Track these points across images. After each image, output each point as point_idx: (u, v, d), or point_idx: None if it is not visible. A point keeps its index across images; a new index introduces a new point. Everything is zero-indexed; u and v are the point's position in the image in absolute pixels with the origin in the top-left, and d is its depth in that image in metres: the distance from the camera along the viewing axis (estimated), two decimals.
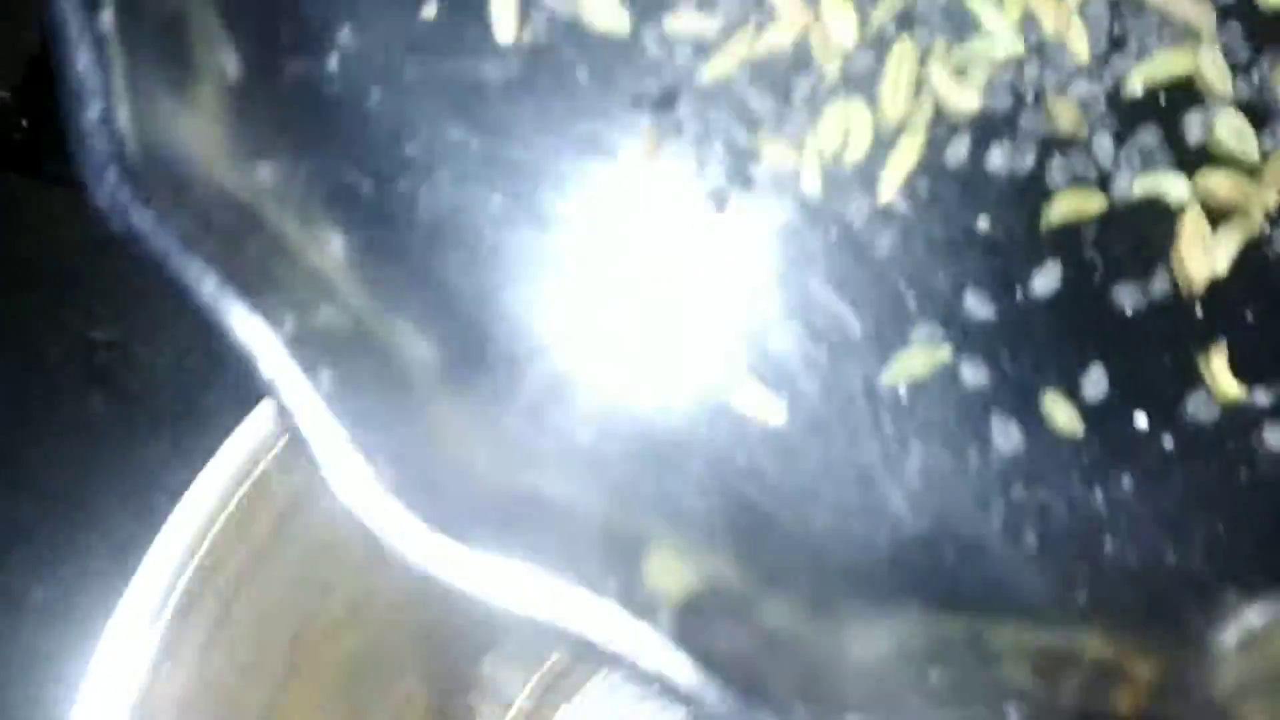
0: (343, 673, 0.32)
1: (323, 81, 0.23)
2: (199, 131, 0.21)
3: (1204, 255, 0.24)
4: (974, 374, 0.23)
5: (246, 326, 0.19)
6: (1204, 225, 0.24)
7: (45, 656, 0.42)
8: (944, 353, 0.23)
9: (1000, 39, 0.24)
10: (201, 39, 0.22)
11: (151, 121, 0.20)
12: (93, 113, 0.19)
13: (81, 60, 0.19)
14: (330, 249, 0.22)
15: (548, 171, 0.23)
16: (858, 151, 0.24)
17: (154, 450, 0.30)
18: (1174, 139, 0.24)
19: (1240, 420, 0.23)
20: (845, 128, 0.24)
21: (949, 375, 0.23)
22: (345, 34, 0.23)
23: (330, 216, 0.22)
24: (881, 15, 0.24)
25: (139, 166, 0.19)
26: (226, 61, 0.22)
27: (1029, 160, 0.24)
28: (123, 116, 0.19)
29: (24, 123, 0.46)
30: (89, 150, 0.19)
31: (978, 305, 0.23)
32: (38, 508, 0.43)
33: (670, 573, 0.21)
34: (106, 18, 0.19)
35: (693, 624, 0.18)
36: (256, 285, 0.20)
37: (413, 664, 0.35)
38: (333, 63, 0.23)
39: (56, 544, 0.43)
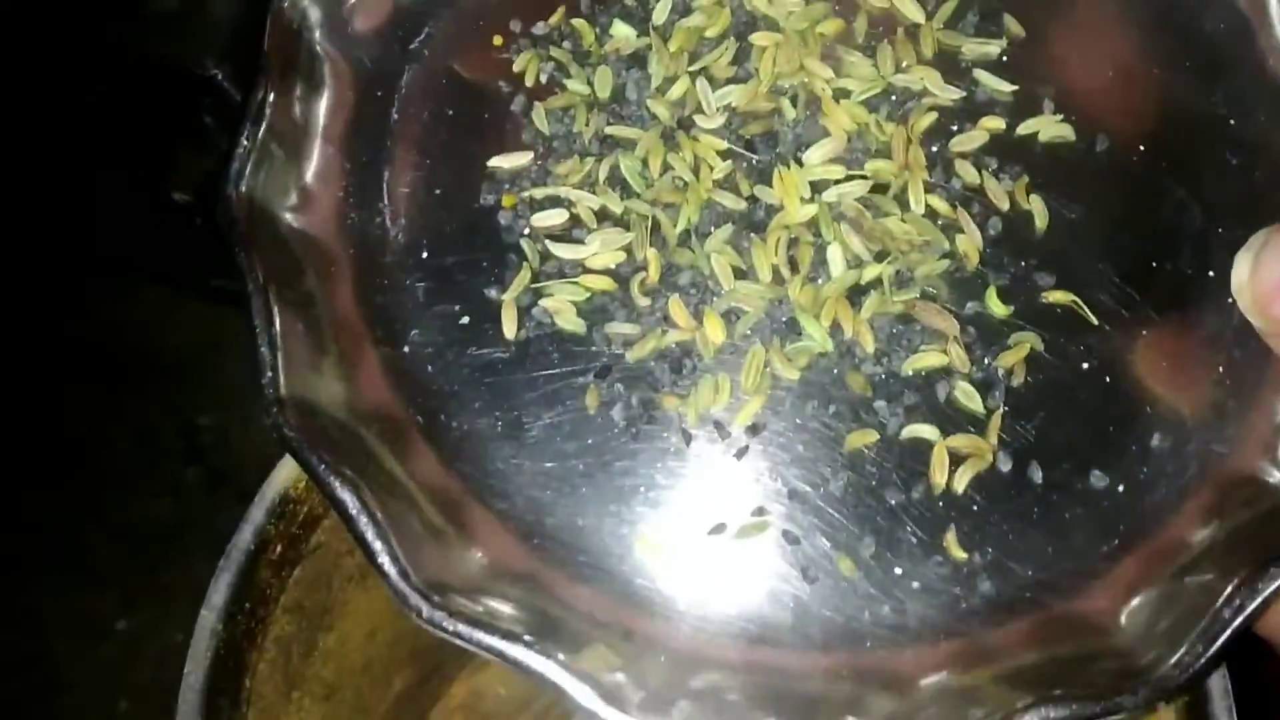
0: (345, 687, 0.43)
1: (398, 361, 0.38)
2: (325, 389, 0.36)
3: (946, 476, 0.37)
4: (794, 534, 0.37)
5: (344, 498, 0.34)
6: (946, 457, 0.37)
7: (127, 679, 0.51)
8: (775, 520, 0.37)
9: (817, 340, 0.38)
10: (325, 340, 0.37)
11: (298, 383, 0.35)
12: (266, 378, 0.35)
13: (263, 349, 0.35)
14: (400, 461, 0.37)
15: (530, 408, 0.38)
16: (721, 405, 0.38)
17: (232, 512, 0.39)
18: (929, 399, 0.38)
19: (965, 573, 0.36)
20: (714, 391, 0.38)
21: (780, 537, 0.37)
22: (414, 333, 0.39)
23: (401, 440, 0.37)
24: (741, 327, 0.39)
25: (290, 407, 0.35)
26: (338, 352, 0.38)
27: (832, 410, 0.38)
28: (281, 380, 0.35)
29: (198, 220, 0.57)
30: (266, 398, 0.34)
31: (801, 491, 0.37)
32: (129, 552, 0.53)
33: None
34: (277, 326, 0.35)
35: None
36: (355, 479, 0.34)
37: (393, 679, 0.46)
38: (405, 349, 0.39)
39: (142, 583, 0.53)
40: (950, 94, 0.40)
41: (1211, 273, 0.38)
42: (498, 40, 0.42)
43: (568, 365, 0.39)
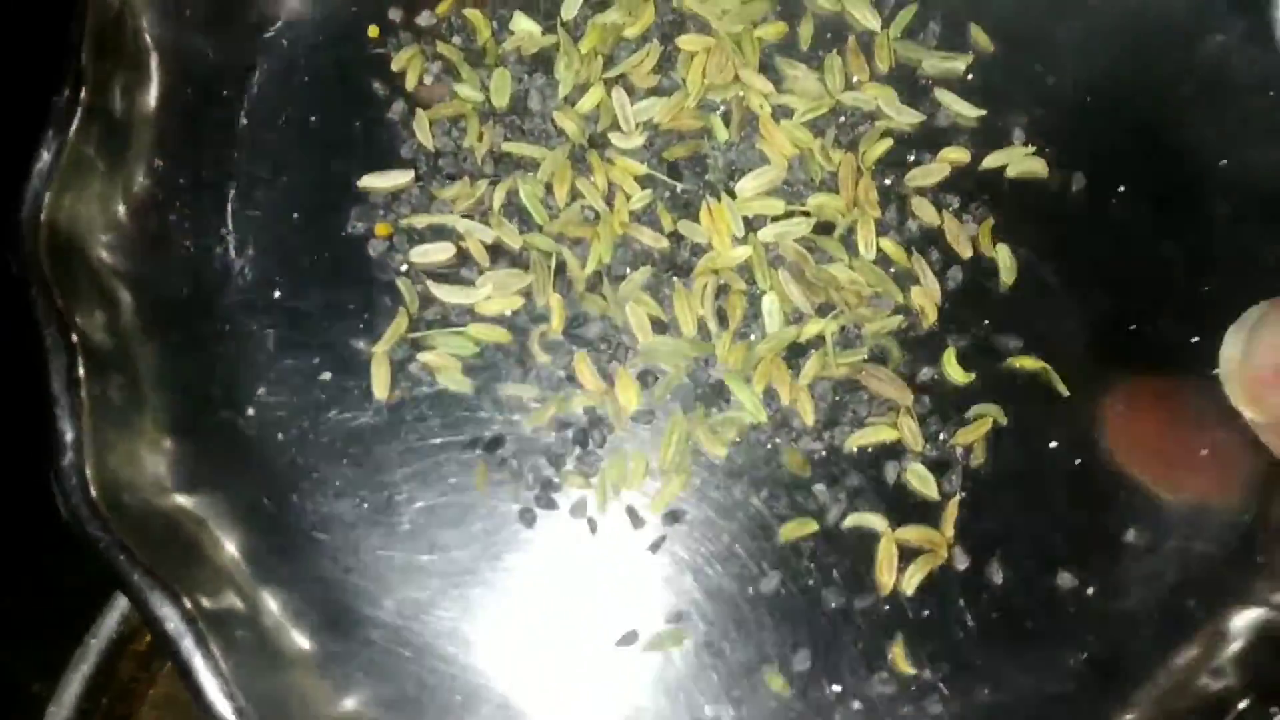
0: None
1: (240, 428, 0.32)
2: (141, 468, 0.30)
3: (894, 575, 0.32)
4: (717, 645, 0.31)
5: (158, 605, 0.27)
6: (894, 552, 0.32)
7: None
8: (694, 628, 0.31)
9: (748, 409, 0.33)
10: (144, 406, 0.30)
11: (107, 463, 0.28)
12: (66, 460, 0.28)
13: (62, 422, 0.28)
14: (229, 551, 0.30)
15: (404, 487, 0.32)
16: (638, 484, 0.32)
17: None
18: (876, 482, 0.32)
19: (913, 692, 0.31)
20: (625, 469, 0.32)
21: (700, 648, 0.31)
22: (261, 392, 0.32)
23: (236, 529, 0.30)
24: (660, 391, 0.33)
25: (96, 493, 0.28)
26: (163, 416, 0.31)
27: (764, 494, 0.32)
28: (85, 461, 0.28)
29: None
30: (62, 483, 0.27)
31: (726, 592, 0.31)
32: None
33: None
34: (83, 391, 0.28)
35: None
36: (171, 576, 0.28)
37: None
38: (249, 412, 0.32)
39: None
40: (908, 117, 0.35)
41: (1196, 339, 0.33)
42: (373, 31, 0.36)
43: (450, 434, 0.32)
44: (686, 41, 0.35)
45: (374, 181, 0.34)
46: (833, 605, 0.32)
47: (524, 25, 0.35)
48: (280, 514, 0.31)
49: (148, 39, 0.33)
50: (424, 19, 0.35)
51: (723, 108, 0.35)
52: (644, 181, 0.34)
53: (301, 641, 0.30)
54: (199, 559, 0.30)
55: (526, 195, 0.34)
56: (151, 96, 0.33)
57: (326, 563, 0.31)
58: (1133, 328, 0.34)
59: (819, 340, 0.33)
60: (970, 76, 0.36)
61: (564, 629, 0.31)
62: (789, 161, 0.34)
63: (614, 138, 0.34)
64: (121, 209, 0.32)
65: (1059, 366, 0.33)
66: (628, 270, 0.33)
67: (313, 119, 0.34)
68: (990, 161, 0.35)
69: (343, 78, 0.35)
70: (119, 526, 0.28)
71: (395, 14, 0.35)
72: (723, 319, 0.33)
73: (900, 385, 0.33)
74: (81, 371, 0.29)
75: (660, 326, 0.33)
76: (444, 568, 0.31)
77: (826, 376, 0.33)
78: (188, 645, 0.27)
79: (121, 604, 0.36)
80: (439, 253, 0.33)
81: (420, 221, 0.34)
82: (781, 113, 0.35)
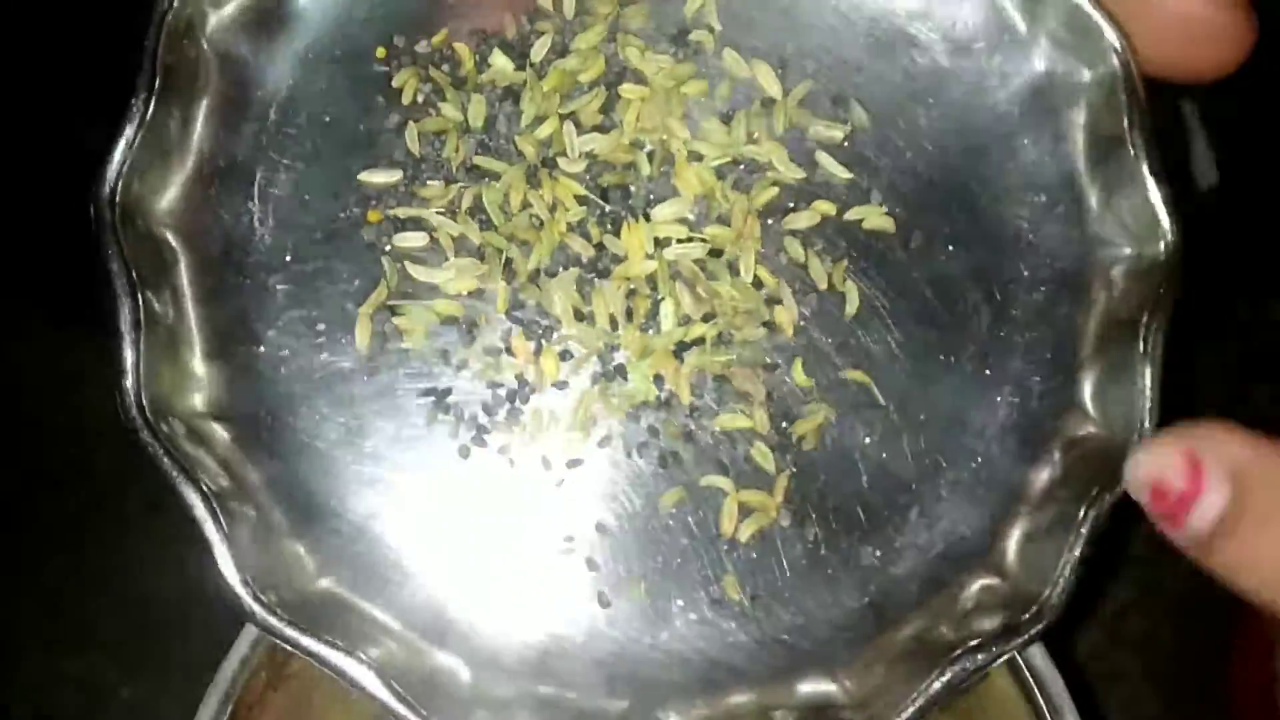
0: None
1: (254, 360, 0.41)
2: (182, 390, 0.39)
3: (734, 525, 0.42)
4: (595, 561, 0.42)
5: (190, 495, 0.37)
6: (735, 509, 0.42)
7: None
8: (580, 548, 0.42)
9: (641, 387, 0.43)
10: (190, 338, 0.40)
11: (158, 387, 0.38)
12: (127, 381, 0.37)
13: (127, 354, 0.37)
14: (237, 452, 0.40)
15: (371, 419, 0.42)
16: (551, 435, 0.42)
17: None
18: (730, 454, 0.43)
19: (735, 612, 0.42)
20: (542, 423, 0.42)
21: (585, 561, 0.42)
22: (271, 334, 0.42)
23: (251, 441, 0.40)
24: (574, 366, 0.43)
25: (150, 412, 0.37)
26: (199, 347, 0.40)
27: (645, 454, 0.42)
28: (142, 385, 0.37)
29: None
30: (126, 403, 0.37)
31: (607, 524, 0.42)
32: (133, 624, 0.57)
33: None
34: (142, 331, 0.38)
35: None
36: (198, 478, 0.38)
37: None
38: (261, 349, 0.42)
39: (145, 654, 0.56)
40: (793, 172, 0.44)
41: (989, 372, 0.44)
42: (381, 52, 0.44)
43: (412, 383, 0.42)
44: (627, 90, 0.44)
45: (370, 177, 0.43)
46: (684, 541, 0.42)
47: (500, 62, 0.44)
48: (276, 429, 0.41)
49: (205, 46, 0.41)
50: (422, 46, 0.44)
51: (649, 147, 0.44)
52: (580, 200, 0.43)
53: (286, 528, 0.40)
54: (212, 456, 0.39)
55: (488, 201, 0.43)
56: (206, 95, 0.41)
57: (307, 468, 0.41)
58: (941, 357, 0.44)
59: (701, 340, 0.43)
60: (846, 143, 0.44)
61: (487, 537, 0.42)
62: (695, 197, 0.43)
63: (561, 161, 0.43)
64: (175, 187, 0.41)
65: (881, 381, 0.43)
66: (561, 269, 0.43)
67: (326, 119, 0.43)
68: (851, 215, 0.44)
69: (352, 89, 0.43)
70: (161, 431, 0.38)
71: (400, 40, 0.44)
72: (630, 316, 0.43)
73: (757, 383, 0.43)
74: (141, 314, 0.38)
75: (580, 316, 0.43)
76: (397, 482, 0.42)
77: (703, 369, 0.43)
78: (210, 526, 0.37)
79: (243, 643, 0.45)
80: (415, 240, 0.42)
81: (403, 213, 0.43)
82: (694, 156, 0.43)
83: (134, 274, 0.38)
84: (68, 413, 0.58)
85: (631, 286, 0.43)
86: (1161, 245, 0.40)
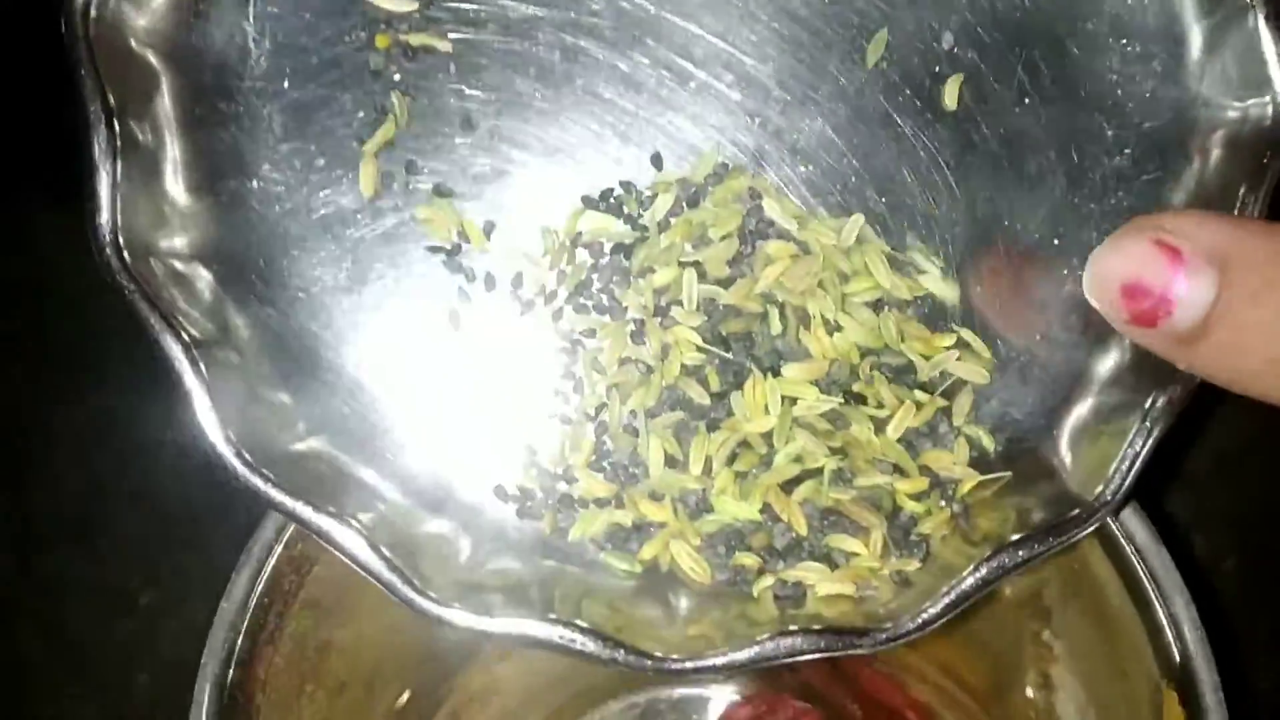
0: (356, 682, 0.45)
1: (247, 196, 0.38)
2: (165, 226, 0.36)
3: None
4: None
5: (168, 342, 0.34)
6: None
7: (147, 654, 0.54)
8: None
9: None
10: (174, 171, 0.37)
11: (136, 221, 0.35)
12: (101, 217, 0.34)
13: (101, 186, 0.34)
14: (222, 297, 0.37)
15: (372, 269, 0.38)
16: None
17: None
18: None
19: None
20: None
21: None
22: (266, 167, 0.38)
23: (239, 284, 0.37)
24: None
25: (125, 247, 0.34)
26: (183, 177, 0.37)
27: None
28: (119, 219, 0.34)
29: None
30: (98, 238, 0.34)
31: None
32: (153, 530, 0.55)
33: None
34: (118, 161, 0.34)
35: None
36: (175, 315, 0.35)
37: (405, 676, 0.48)
38: (255, 184, 0.38)
39: (165, 561, 0.54)
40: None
41: (1057, 241, 0.39)
42: None
43: (418, 228, 0.39)
44: (775, 248, 0.38)
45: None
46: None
47: None
48: (269, 272, 0.38)
49: None
50: None
51: (782, 303, 0.38)
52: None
53: (274, 381, 0.37)
54: (195, 301, 0.36)
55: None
56: None
57: (303, 316, 0.38)
58: (1007, 224, 0.39)
59: (816, 473, 0.38)
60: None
61: (492, 401, 0.39)
62: (830, 364, 0.38)
63: (676, 311, 0.38)
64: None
65: (937, 238, 0.39)
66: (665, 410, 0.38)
67: None
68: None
69: None
70: (138, 273, 0.35)
71: None
72: (730, 462, 0.38)
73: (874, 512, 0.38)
74: (120, 143, 0.35)
75: (673, 464, 0.38)
76: (399, 337, 0.38)
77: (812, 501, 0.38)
78: (189, 376, 0.35)
79: (275, 518, 0.41)
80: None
81: (416, 40, 0.38)
82: (833, 329, 0.38)
83: (110, 97, 0.34)
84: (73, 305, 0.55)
85: (742, 439, 0.38)
86: (1270, 109, 0.35)
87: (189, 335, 0.35)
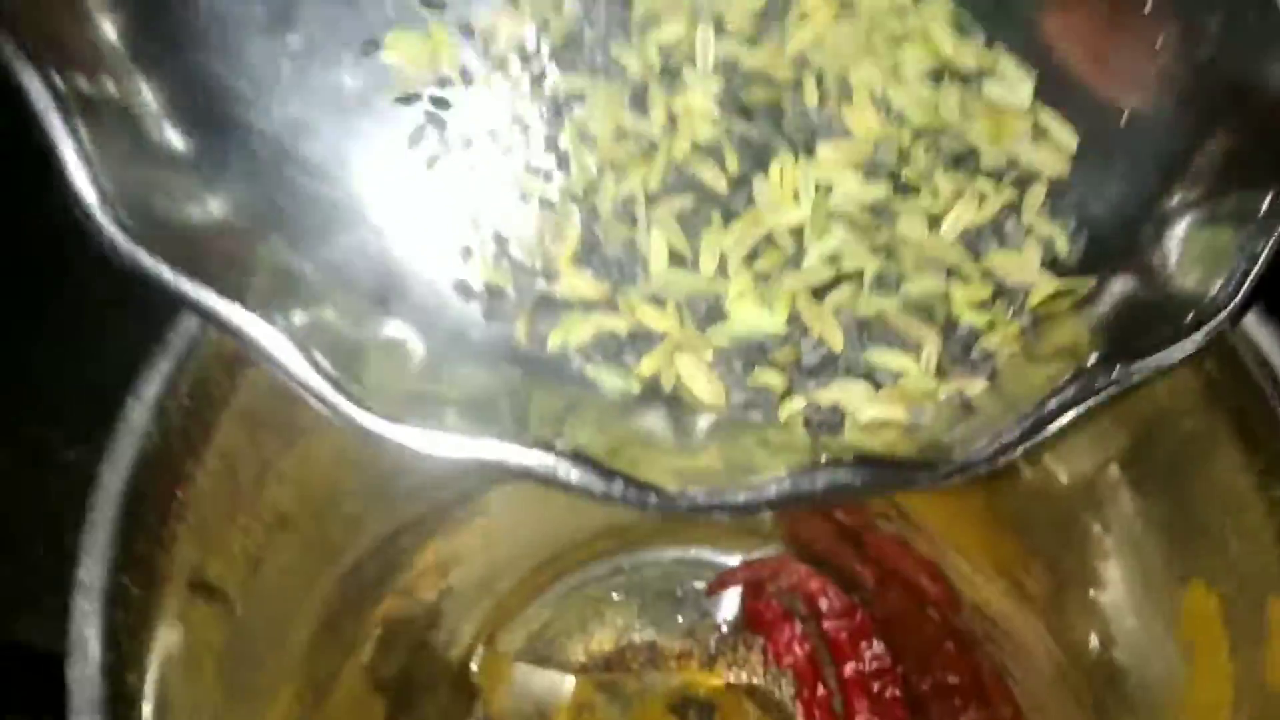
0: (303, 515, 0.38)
1: None
2: None
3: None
4: None
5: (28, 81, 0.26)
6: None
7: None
8: None
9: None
10: None
11: None
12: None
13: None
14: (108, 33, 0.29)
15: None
16: None
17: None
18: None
19: None
20: None
21: None
22: None
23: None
24: None
25: None
26: None
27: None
28: None
29: None
30: None
31: None
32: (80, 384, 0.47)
33: None
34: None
35: None
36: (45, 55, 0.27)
37: (363, 519, 0.41)
38: None
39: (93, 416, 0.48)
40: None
41: None
42: None
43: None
44: (813, 2, 0.31)
45: None
46: None
47: None
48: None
49: None
50: None
51: (819, 71, 0.31)
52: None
53: (175, 138, 0.29)
54: (76, 38, 0.28)
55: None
56: None
57: (213, 60, 0.30)
58: None
59: (851, 277, 0.31)
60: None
61: (454, 172, 0.31)
62: (874, 143, 0.31)
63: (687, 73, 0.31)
64: None
65: None
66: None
67: None
68: None
69: None
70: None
71: None
72: (750, 260, 0.31)
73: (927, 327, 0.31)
74: None
75: (679, 259, 0.31)
76: (340, 89, 0.31)
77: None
78: (56, 123, 0.26)
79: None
80: None
81: None
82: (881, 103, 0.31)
83: None
84: None
85: (765, 233, 0.31)
86: None
87: (66, 81, 0.27)
